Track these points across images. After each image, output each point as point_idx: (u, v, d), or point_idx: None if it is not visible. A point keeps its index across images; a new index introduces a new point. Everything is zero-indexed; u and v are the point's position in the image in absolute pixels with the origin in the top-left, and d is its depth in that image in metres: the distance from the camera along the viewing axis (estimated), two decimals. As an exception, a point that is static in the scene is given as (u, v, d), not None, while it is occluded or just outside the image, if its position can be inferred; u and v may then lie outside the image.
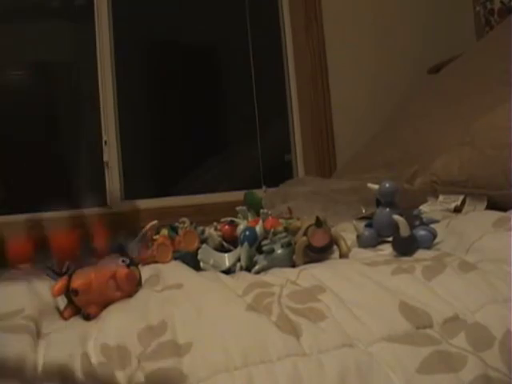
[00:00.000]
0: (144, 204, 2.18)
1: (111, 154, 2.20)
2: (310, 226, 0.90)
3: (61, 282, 0.72)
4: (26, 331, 0.62)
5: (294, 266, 0.87)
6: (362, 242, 0.98)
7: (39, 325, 0.66)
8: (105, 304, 0.71)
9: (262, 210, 1.02)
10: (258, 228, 0.96)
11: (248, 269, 0.90)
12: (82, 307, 0.70)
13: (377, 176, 1.38)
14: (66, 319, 0.70)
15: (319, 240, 0.88)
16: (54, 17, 2.50)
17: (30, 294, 0.76)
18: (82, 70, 2.40)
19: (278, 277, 0.76)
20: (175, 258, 0.95)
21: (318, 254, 0.89)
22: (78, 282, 0.71)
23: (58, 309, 0.74)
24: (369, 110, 2.22)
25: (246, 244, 0.92)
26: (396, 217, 0.87)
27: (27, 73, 2.63)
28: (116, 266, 0.74)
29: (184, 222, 1.05)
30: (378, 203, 1.00)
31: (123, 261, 0.76)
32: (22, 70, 2.69)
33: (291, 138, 2.33)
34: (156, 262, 0.94)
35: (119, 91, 2.24)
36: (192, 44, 2.46)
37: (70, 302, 0.71)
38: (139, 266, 0.80)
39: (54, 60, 2.47)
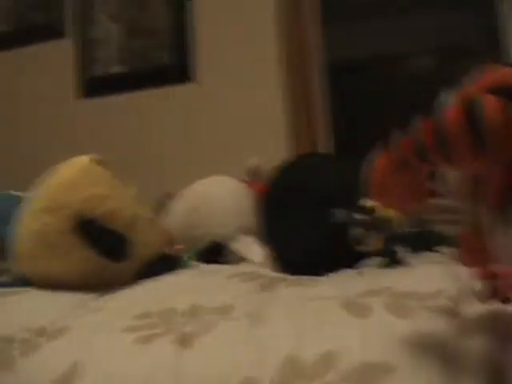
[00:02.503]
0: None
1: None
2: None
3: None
4: (445, 312, 0.62)
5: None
6: None
7: (457, 306, 0.63)
8: None
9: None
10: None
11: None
12: (504, 291, 0.57)
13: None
14: (483, 302, 0.61)
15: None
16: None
17: (449, 275, 0.72)
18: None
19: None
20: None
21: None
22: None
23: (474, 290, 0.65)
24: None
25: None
26: None
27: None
28: None
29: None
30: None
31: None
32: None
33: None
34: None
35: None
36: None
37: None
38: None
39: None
